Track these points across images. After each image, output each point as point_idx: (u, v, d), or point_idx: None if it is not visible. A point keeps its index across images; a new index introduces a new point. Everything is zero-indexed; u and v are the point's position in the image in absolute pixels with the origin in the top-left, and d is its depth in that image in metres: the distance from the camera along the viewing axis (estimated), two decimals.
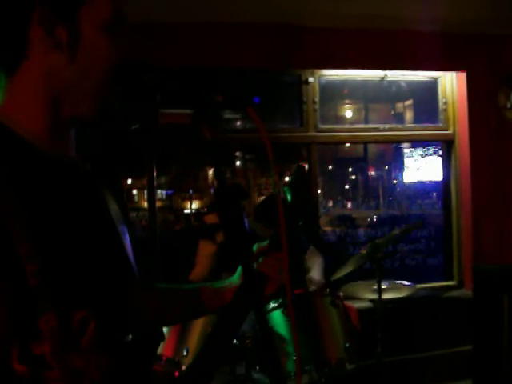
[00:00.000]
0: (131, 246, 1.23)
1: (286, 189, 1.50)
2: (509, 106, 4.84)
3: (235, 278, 1.38)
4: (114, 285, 1.10)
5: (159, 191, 5.38)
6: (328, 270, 3.66)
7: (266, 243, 1.38)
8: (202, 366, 1.21)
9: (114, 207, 1.22)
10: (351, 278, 3.62)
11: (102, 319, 0.98)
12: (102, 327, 0.98)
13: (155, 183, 4.46)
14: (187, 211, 5.64)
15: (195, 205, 5.64)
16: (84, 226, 1.05)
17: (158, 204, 4.74)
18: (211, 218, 1.28)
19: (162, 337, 2.81)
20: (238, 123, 4.81)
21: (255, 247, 1.38)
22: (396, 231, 3.73)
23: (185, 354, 2.78)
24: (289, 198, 1.51)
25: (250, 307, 1.13)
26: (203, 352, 1.23)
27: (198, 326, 2.84)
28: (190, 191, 5.67)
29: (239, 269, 1.36)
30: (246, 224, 1.20)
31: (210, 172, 5.73)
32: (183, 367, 2.68)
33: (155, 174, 4.43)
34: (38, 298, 0.87)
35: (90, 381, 0.93)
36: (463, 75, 4.86)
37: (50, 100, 1.06)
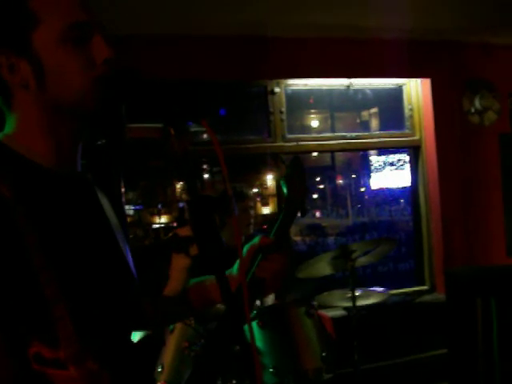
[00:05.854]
0: (129, 251, 1.30)
1: (282, 181, 1.51)
2: (473, 110, 4.91)
3: (233, 270, 1.45)
4: (118, 290, 1.17)
5: (127, 207, 5.33)
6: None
7: (256, 240, 1.42)
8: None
9: (112, 216, 1.29)
10: (324, 287, 3.61)
11: (111, 323, 1.09)
12: (112, 333, 1.09)
13: (123, 199, 4.39)
14: (156, 226, 5.60)
15: (164, 219, 5.61)
16: (88, 235, 1.13)
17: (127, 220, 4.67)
18: (184, 231, 1.26)
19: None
20: (205, 136, 4.78)
21: (247, 247, 1.42)
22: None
23: (160, 369, 2.74)
24: (285, 190, 1.52)
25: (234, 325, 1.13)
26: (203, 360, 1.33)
27: (173, 342, 2.80)
28: (159, 206, 5.64)
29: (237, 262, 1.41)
30: (220, 236, 1.18)
31: (178, 186, 5.69)
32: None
33: (123, 190, 4.37)
34: (53, 305, 0.94)
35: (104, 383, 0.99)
36: (428, 82, 4.92)
37: (48, 122, 1.09)
